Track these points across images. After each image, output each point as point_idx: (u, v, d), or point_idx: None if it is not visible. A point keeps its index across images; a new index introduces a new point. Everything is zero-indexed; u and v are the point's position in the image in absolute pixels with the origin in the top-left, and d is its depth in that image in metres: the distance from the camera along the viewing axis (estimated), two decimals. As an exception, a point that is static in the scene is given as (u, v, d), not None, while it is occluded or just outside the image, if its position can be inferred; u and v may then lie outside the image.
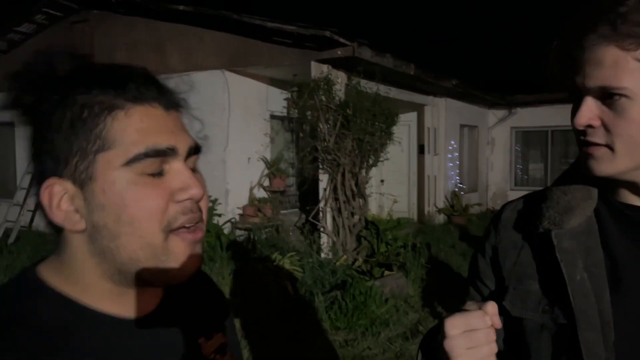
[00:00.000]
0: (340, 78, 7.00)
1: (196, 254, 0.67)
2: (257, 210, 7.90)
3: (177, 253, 0.65)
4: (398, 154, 9.70)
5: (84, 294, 0.66)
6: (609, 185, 0.84)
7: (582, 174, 0.84)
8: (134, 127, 0.63)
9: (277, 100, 8.34)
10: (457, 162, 11.77)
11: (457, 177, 11.74)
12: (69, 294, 0.66)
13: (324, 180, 6.89)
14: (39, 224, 9.47)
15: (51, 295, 0.65)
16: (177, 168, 0.65)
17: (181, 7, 7.45)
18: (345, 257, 6.39)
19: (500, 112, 13.41)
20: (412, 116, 10.40)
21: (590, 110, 0.77)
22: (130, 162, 0.62)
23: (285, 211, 8.41)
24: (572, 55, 0.78)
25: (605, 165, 0.79)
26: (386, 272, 5.81)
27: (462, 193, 11.43)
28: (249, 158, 8.05)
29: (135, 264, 0.64)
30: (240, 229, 7.73)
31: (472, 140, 12.85)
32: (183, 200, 0.65)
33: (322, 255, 6.66)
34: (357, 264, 6.32)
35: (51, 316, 0.63)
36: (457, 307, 1.07)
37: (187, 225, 0.65)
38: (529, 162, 13.63)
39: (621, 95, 0.74)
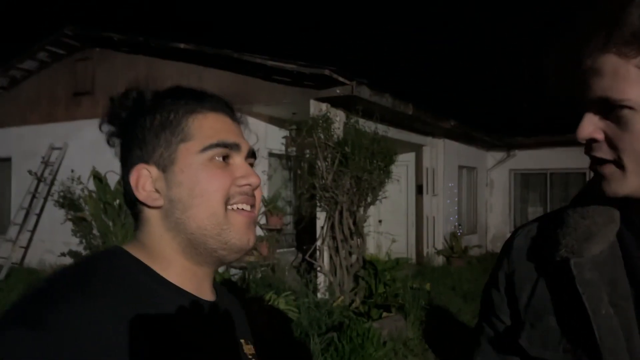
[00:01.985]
0: (338, 116, 7.00)
1: (251, 231, 0.81)
2: (253, 249, 7.76)
3: (235, 224, 0.79)
4: (396, 194, 9.64)
5: (164, 270, 0.77)
6: (631, 205, 0.76)
7: (600, 194, 0.76)
8: (209, 125, 0.81)
9: (276, 138, 8.33)
10: (456, 203, 11.69)
11: (456, 218, 11.63)
12: (153, 267, 0.77)
13: (321, 218, 6.79)
14: (32, 260, 9.31)
15: (139, 265, 0.76)
16: (239, 161, 0.82)
17: (182, 46, 7.54)
18: (342, 297, 6.22)
19: (499, 154, 13.44)
20: (410, 156, 10.40)
21: (592, 122, 0.72)
22: (204, 149, 0.78)
23: (281, 250, 8.26)
24: (569, 67, 0.74)
25: (616, 185, 0.72)
26: (384, 314, 5.64)
27: (459, 234, 11.29)
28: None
29: (202, 233, 0.77)
30: (235, 267, 7.56)
31: (470, 182, 12.81)
32: (243, 185, 0.80)
33: (319, 295, 6.49)
34: (354, 304, 6.14)
35: (138, 281, 0.74)
36: (470, 349, 0.97)
37: (243, 206, 0.80)
38: (528, 204, 13.56)
39: (624, 106, 0.68)
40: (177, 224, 0.77)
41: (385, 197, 6.94)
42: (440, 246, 10.75)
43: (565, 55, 0.75)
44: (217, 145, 0.79)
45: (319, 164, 6.53)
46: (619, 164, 0.71)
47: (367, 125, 6.84)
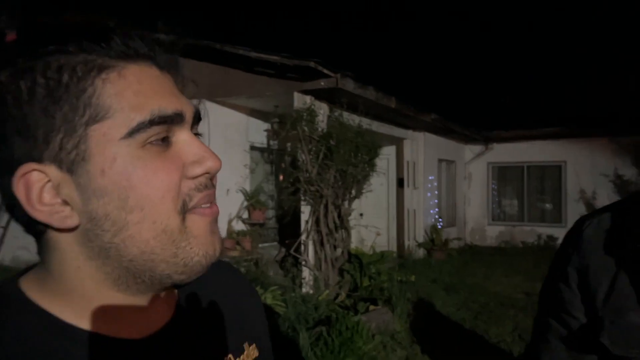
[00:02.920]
0: (322, 109, 6.95)
1: (216, 234, 0.57)
2: (236, 244, 7.67)
3: (198, 235, 0.54)
4: (377, 188, 9.63)
5: (77, 313, 0.53)
6: None
7: None
8: (131, 89, 0.51)
9: (258, 131, 8.24)
10: (436, 197, 11.76)
11: (437, 211, 11.71)
12: (58, 314, 0.53)
13: (306, 212, 6.73)
14: (5, 257, 9.03)
15: (37, 315, 0.52)
16: (185, 138, 0.55)
17: (161, 37, 7.36)
18: (327, 291, 6.19)
19: (477, 148, 13.57)
20: (391, 150, 10.41)
21: None
22: (132, 132, 0.50)
23: (264, 244, 8.19)
24: None
25: None
26: (371, 307, 5.62)
27: (439, 227, 11.38)
28: (228, 189, 7.86)
29: (148, 258, 0.52)
30: (218, 262, 7.47)
31: (449, 175, 12.91)
32: (198, 176, 0.55)
33: (304, 289, 6.45)
34: (339, 298, 6.12)
35: (36, 341, 0.51)
36: (538, 346, 0.92)
37: (204, 205, 0.55)
38: (505, 196, 13.74)
39: None
40: (105, 249, 0.52)
41: (370, 191, 6.92)
42: (421, 239, 10.81)
43: None
44: (151, 122, 0.51)
45: (304, 157, 6.46)
46: None
47: (351, 119, 6.80)
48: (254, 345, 0.68)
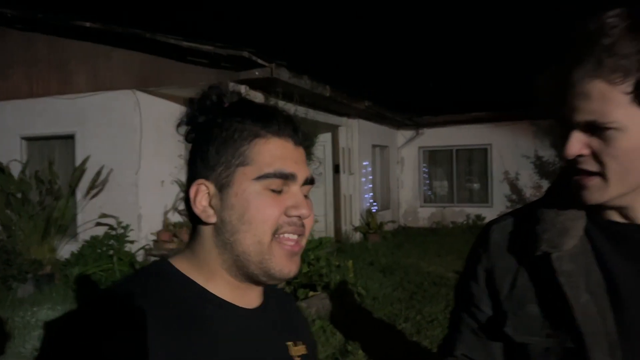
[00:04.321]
0: (258, 99, 6.88)
1: (294, 262, 0.82)
2: (173, 236, 7.57)
3: (278, 256, 0.80)
4: (315, 174, 9.76)
5: (208, 281, 0.81)
6: (598, 206, 0.85)
7: (568, 193, 0.85)
8: (269, 152, 0.80)
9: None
10: (371, 181, 12.08)
11: (371, 196, 12.03)
12: (196, 280, 0.81)
13: (244, 202, 6.75)
14: None
15: (182, 280, 0.80)
16: (294, 190, 0.82)
17: (87, 24, 7.08)
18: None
19: (409, 133, 14.00)
20: (327, 137, 10.56)
21: (579, 140, 0.79)
22: (260, 177, 0.79)
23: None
24: (560, 89, 0.79)
25: (598, 194, 0.81)
26: (311, 293, 5.77)
27: (374, 211, 11.72)
28: (163, 181, 7.73)
29: (246, 258, 0.79)
30: (154, 255, 7.35)
31: (383, 160, 13.26)
32: (292, 216, 0.80)
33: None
34: (279, 286, 6.21)
35: (182, 297, 0.78)
36: (452, 336, 1.04)
37: (290, 236, 0.81)
38: (435, 179, 14.30)
39: (610, 128, 0.76)
40: (225, 243, 0.80)
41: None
42: (357, 223, 11.09)
43: (555, 78, 0.81)
44: (274, 175, 0.79)
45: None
46: (601, 175, 0.79)
47: (287, 108, 6.83)
48: (305, 345, 0.92)
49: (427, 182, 14.30)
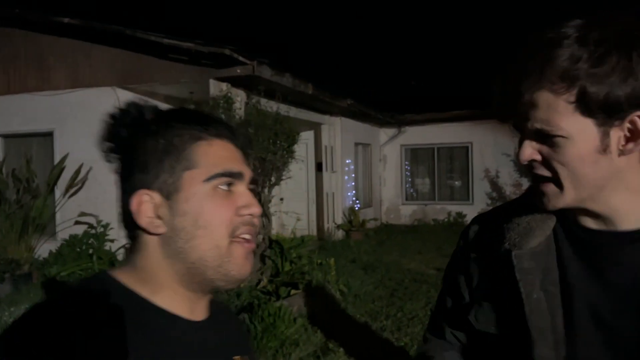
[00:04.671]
0: (239, 96, 6.93)
1: (250, 261, 0.81)
2: (154, 234, 7.52)
3: (236, 257, 0.79)
4: (297, 173, 9.78)
5: (155, 294, 0.78)
6: (566, 209, 0.88)
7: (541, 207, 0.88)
8: (214, 153, 0.80)
9: (173, 118, 8.05)
10: (353, 179, 12.11)
11: (354, 194, 12.07)
12: (141, 293, 0.77)
13: (225, 200, 6.72)
14: None
15: (125, 293, 0.76)
16: (242, 190, 0.82)
17: (66, 20, 6.98)
18: (249, 278, 6.26)
19: (391, 131, 14.08)
20: (309, 135, 10.57)
21: (530, 146, 0.82)
22: (209, 178, 0.78)
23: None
24: (511, 98, 0.82)
25: (554, 201, 0.84)
26: (293, 291, 5.77)
27: (357, 208, 11.76)
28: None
29: (203, 264, 0.78)
30: (135, 254, 7.29)
31: (365, 158, 13.32)
32: (245, 215, 0.80)
33: (226, 277, 6.47)
34: (261, 284, 6.21)
35: (126, 311, 0.74)
36: (437, 317, 1.10)
37: (246, 236, 0.80)
38: (417, 177, 14.40)
39: (557, 135, 0.79)
40: (177, 252, 0.77)
41: (289, 177, 7.02)
42: (339, 221, 11.12)
43: (506, 87, 0.84)
44: (223, 174, 0.79)
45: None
46: (557, 182, 0.82)
47: (269, 106, 6.84)
48: (247, 357, 0.90)
49: (409, 179, 14.40)
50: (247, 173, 0.83)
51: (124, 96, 7.27)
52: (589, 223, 0.88)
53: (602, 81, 0.75)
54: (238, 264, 0.79)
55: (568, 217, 0.90)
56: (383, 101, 12.82)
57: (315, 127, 10.51)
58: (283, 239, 6.84)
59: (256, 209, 0.81)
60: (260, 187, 6.66)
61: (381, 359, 4.52)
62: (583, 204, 0.84)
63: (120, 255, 7.13)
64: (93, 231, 7.21)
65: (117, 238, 7.30)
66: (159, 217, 0.77)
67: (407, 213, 14.05)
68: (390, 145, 14.25)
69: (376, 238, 10.92)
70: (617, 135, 0.78)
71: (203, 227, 0.76)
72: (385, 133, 14.23)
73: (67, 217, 7.41)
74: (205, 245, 0.77)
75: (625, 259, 0.83)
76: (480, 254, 0.98)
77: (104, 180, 7.24)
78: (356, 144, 12.40)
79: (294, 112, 8.01)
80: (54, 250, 7.09)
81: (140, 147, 0.79)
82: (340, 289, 6.33)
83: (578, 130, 0.78)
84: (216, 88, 6.75)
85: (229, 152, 0.82)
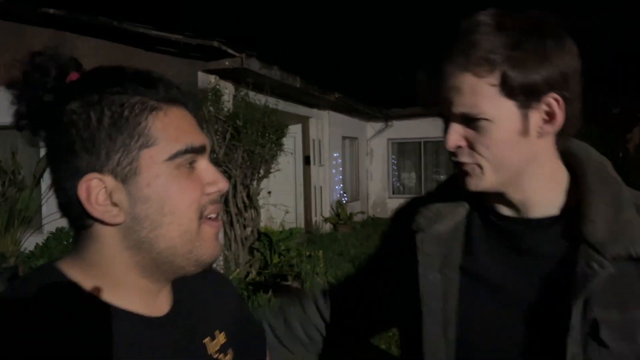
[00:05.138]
0: (228, 89, 6.92)
1: (218, 242, 0.74)
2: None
3: (207, 239, 0.71)
4: (285, 166, 9.80)
5: (109, 291, 0.68)
6: (483, 195, 0.91)
7: (461, 186, 0.90)
8: (173, 126, 0.69)
9: (161, 111, 8.01)
10: (341, 173, 12.16)
11: (341, 187, 12.13)
12: (92, 290, 0.68)
13: (214, 193, 6.72)
14: None
15: (74, 290, 0.67)
16: (204, 165, 0.72)
17: (52, 11, 6.90)
18: (237, 270, 6.29)
19: (378, 125, 14.14)
20: (297, 128, 10.58)
21: (456, 133, 0.84)
22: (172, 157, 0.67)
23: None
24: (435, 84, 0.84)
25: (476, 181, 0.86)
26: (281, 283, 5.81)
27: (344, 202, 11.82)
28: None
29: (171, 252, 0.69)
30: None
31: (352, 152, 13.37)
32: (212, 193, 0.72)
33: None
34: (250, 277, 6.25)
35: (76, 311, 0.65)
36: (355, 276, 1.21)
37: (212, 215, 0.72)
38: (404, 171, 14.50)
39: (481, 119, 0.81)
40: (141, 242, 0.67)
41: (278, 170, 7.05)
42: (327, 214, 11.18)
43: (430, 73, 0.87)
44: (186, 151, 0.68)
45: (210, 138, 6.44)
46: (478, 165, 0.84)
47: (257, 99, 6.85)
48: (223, 332, 0.83)
49: (396, 173, 14.49)
50: (208, 144, 0.73)
51: (111, 88, 7.22)
52: (504, 210, 0.91)
53: (521, 65, 0.78)
54: (209, 246, 0.71)
55: (483, 205, 0.92)
56: (370, 95, 12.87)
57: (303, 121, 10.53)
58: (272, 231, 6.86)
59: (222, 184, 0.72)
60: (249, 179, 6.68)
61: (370, 347, 4.58)
62: (502, 188, 0.87)
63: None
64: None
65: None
66: (114, 205, 0.66)
67: (393, 207, 13.94)
68: (377, 139, 14.32)
69: (363, 231, 10.98)
70: (535, 117, 0.82)
71: (170, 214, 0.67)
72: (372, 127, 14.29)
73: (53, 210, 7.29)
74: (173, 232, 0.68)
75: (534, 244, 0.87)
76: (398, 234, 1.03)
77: (91, 173, 7.20)
78: (343, 138, 12.44)
79: (282, 105, 8.02)
80: (40, 244, 7.03)
81: (80, 121, 0.65)
82: (328, 280, 6.38)
83: (501, 113, 0.80)
84: (204, 80, 6.73)
85: (187, 122, 0.71)
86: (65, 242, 6.99)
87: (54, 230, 7.14)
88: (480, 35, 0.79)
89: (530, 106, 0.81)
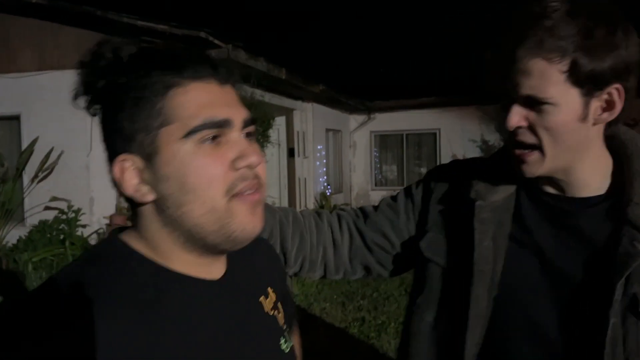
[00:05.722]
0: (214, 81, 6.89)
1: (258, 215, 0.71)
2: (127, 219, 7.44)
3: (239, 215, 0.68)
4: (269, 158, 9.81)
5: (166, 260, 0.71)
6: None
7: (518, 174, 0.95)
8: (191, 102, 0.67)
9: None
10: (325, 165, 12.21)
11: (325, 179, 12.18)
12: (153, 258, 0.71)
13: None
14: None
15: (139, 259, 0.70)
16: (234, 138, 0.69)
17: (33, 0, 6.77)
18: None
19: (361, 117, 14.20)
20: (281, 120, 10.58)
21: (519, 113, 0.88)
22: (188, 134, 0.66)
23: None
24: (504, 66, 0.88)
25: (536, 167, 0.91)
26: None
27: (328, 194, 11.88)
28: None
29: (199, 229, 0.68)
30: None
31: (336, 144, 13.42)
32: (241, 167, 0.68)
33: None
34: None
35: (141, 277, 0.69)
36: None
37: (247, 192, 0.69)
38: (386, 163, 14.61)
39: (547, 102, 0.85)
40: (172, 220, 0.68)
41: (267, 162, 7.05)
42: (311, 206, 11.21)
43: (500, 55, 0.89)
44: (204, 126, 0.66)
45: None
46: (540, 149, 0.88)
47: (243, 89, 6.84)
48: (273, 290, 0.87)
49: (378, 166, 14.59)
50: (238, 116, 0.69)
51: (95, 79, 7.13)
52: (549, 189, 0.97)
53: (591, 53, 0.81)
54: (242, 222, 0.68)
55: (531, 181, 0.98)
56: (353, 88, 12.91)
57: (288, 113, 10.54)
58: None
59: (254, 158, 0.68)
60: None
61: (358, 337, 4.65)
62: (555, 173, 0.93)
63: (93, 241, 7.04)
64: (64, 217, 7.09)
65: (89, 223, 7.20)
66: (145, 183, 0.68)
67: (376, 198, 14.20)
68: (360, 132, 14.38)
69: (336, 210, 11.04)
70: (595, 105, 0.86)
71: (192, 192, 0.66)
72: (355, 119, 14.35)
73: (36, 203, 7.24)
74: (197, 211, 0.67)
75: (579, 221, 0.93)
76: (447, 195, 1.08)
77: (74, 165, 7.12)
78: (327, 130, 12.48)
79: (267, 97, 8.02)
80: (23, 237, 6.94)
81: (114, 104, 0.68)
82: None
83: (565, 99, 0.84)
84: (190, 72, 6.69)
85: (210, 96, 0.68)
86: (48, 235, 6.92)
87: (36, 224, 7.05)
88: (553, 21, 0.82)
89: (593, 94, 0.85)
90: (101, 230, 7.31)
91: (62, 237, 6.89)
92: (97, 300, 0.63)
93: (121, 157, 0.68)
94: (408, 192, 1.16)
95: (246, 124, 0.71)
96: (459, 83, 11.89)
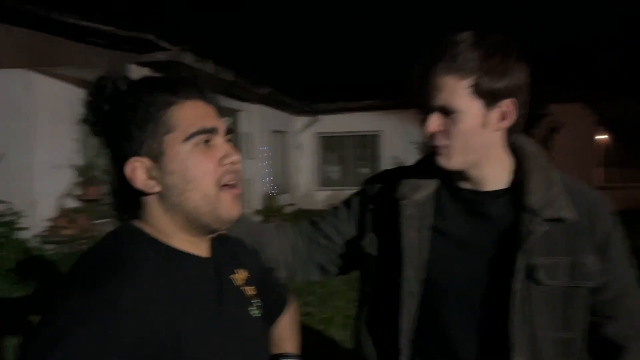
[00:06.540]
0: (161, 82, 6.89)
1: (237, 204, 0.94)
2: (70, 222, 7.31)
3: (225, 202, 0.91)
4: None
5: (167, 239, 0.91)
6: (449, 173, 1.19)
7: (432, 163, 1.18)
8: (188, 114, 0.90)
9: (89, 103, 7.78)
10: (270, 166, 12.34)
11: (271, 180, 12.30)
12: (158, 238, 0.91)
13: (148, 186, 6.69)
14: None
15: (149, 239, 0.91)
16: (219, 142, 0.92)
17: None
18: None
19: (306, 119, 14.43)
20: (228, 122, 10.62)
21: (435, 121, 1.11)
22: (187, 138, 0.88)
23: (101, 221, 7.90)
24: (423, 81, 1.11)
25: (447, 160, 1.13)
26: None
27: (274, 194, 12.01)
28: (59, 165, 7.40)
29: (197, 212, 0.89)
30: (51, 242, 7.07)
31: (282, 145, 13.56)
32: (226, 164, 0.91)
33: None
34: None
35: (152, 252, 0.89)
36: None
37: (231, 183, 0.92)
38: (331, 164, 14.90)
39: (456, 111, 1.08)
40: (174, 205, 0.89)
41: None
42: (258, 207, 11.32)
43: (420, 73, 1.12)
44: (198, 132, 0.88)
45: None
46: (449, 147, 1.10)
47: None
48: (245, 270, 1.07)
49: (323, 166, 14.85)
50: (221, 126, 0.93)
51: (38, 79, 6.98)
52: (464, 184, 1.18)
53: (489, 74, 1.04)
54: (227, 207, 0.90)
55: (450, 180, 1.20)
56: (298, 90, 13.11)
57: (234, 115, 10.61)
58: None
59: (235, 157, 0.91)
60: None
61: (309, 328, 4.84)
62: (466, 167, 1.14)
63: (35, 243, 6.87)
64: (4, 219, 6.87)
65: (30, 226, 7.02)
66: (152, 178, 0.88)
67: (321, 198, 14.47)
68: (306, 133, 14.59)
69: (292, 222, 11.16)
70: (494, 114, 1.08)
71: (192, 181, 0.87)
72: (300, 121, 14.54)
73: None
74: (195, 196, 0.88)
75: (488, 209, 1.16)
76: (380, 199, 1.30)
77: (16, 167, 6.92)
78: (273, 132, 12.62)
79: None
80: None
81: (122, 119, 0.88)
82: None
83: (470, 109, 1.06)
84: (137, 73, 6.58)
85: (201, 111, 0.91)
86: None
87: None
88: (461, 48, 1.06)
89: (492, 106, 1.08)
90: (45, 233, 7.15)
91: (2, 240, 6.69)
92: (130, 263, 0.84)
93: (132, 159, 0.88)
94: (348, 201, 1.41)
95: (227, 132, 0.95)
96: (401, 86, 12.29)
